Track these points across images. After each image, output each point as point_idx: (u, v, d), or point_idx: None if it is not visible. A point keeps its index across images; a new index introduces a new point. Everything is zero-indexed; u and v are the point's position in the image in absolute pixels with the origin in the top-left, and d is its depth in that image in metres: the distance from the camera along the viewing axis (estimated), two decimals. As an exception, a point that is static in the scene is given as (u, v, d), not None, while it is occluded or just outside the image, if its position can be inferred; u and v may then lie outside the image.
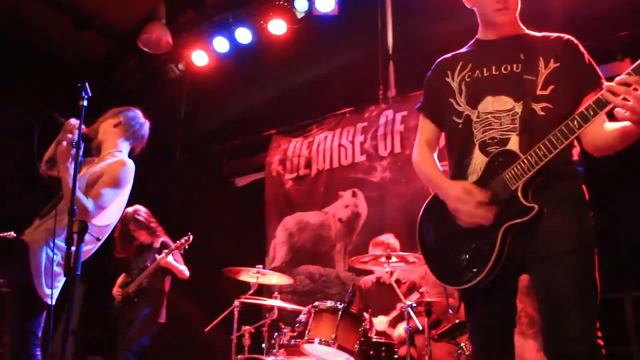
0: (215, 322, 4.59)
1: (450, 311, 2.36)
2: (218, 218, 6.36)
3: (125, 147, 3.23)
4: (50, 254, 2.73)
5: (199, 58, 6.80)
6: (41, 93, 6.45)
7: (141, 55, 7.07)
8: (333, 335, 3.73)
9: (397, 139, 5.70)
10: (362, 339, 3.81)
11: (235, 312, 4.49)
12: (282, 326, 4.26)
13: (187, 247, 4.73)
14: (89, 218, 2.70)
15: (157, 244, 5.01)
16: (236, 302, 4.50)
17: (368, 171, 5.79)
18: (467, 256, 2.12)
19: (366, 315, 3.96)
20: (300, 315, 4.01)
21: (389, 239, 4.69)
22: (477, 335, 2.21)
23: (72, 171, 2.55)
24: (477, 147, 2.16)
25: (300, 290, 5.75)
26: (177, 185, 6.85)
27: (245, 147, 6.78)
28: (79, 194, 2.65)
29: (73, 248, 2.29)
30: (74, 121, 2.75)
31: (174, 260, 4.88)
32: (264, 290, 5.45)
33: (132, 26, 7.10)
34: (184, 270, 4.94)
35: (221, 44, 6.63)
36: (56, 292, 2.75)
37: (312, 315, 3.90)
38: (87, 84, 2.58)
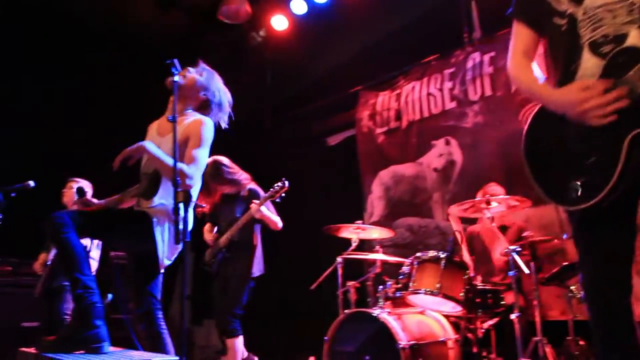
0: (320, 279, 4.69)
1: (565, 236, 2.17)
2: (313, 179, 6.45)
3: (204, 106, 3.17)
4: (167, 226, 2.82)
5: (279, 22, 6.83)
6: (128, 73, 6.75)
7: (222, 28, 7.18)
8: (437, 285, 3.74)
9: (487, 81, 5.50)
10: (467, 286, 3.79)
11: (339, 269, 4.58)
12: (386, 279, 4.32)
13: (283, 194, 4.41)
14: (193, 184, 2.78)
15: (244, 192, 4.67)
16: (339, 259, 4.58)
17: (460, 117, 5.64)
18: (586, 171, 1.83)
19: (470, 262, 3.93)
20: (403, 267, 4.04)
21: (495, 189, 4.52)
22: (590, 266, 1.92)
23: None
24: (586, 48, 1.88)
25: (400, 242, 5.77)
26: (269, 151, 6.99)
27: (334, 106, 6.79)
28: (182, 165, 2.70)
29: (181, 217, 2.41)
30: None
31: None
32: (365, 245, 5.51)
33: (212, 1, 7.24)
34: (277, 221, 4.58)
35: (299, 6, 6.62)
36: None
37: (415, 266, 3.92)
38: (176, 60, 2.66)
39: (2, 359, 4.84)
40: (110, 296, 5.19)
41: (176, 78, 2.66)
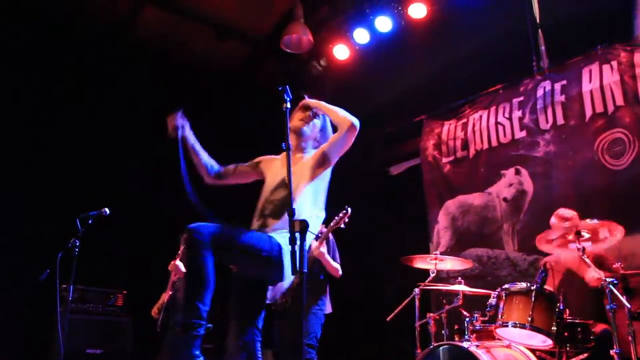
0: (397, 310, 4.60)
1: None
2: (375, 208, 6.41)
3: (315, 144, 3.32)
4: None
5: (341, 52, 6.85)
6: (192, 102, 6.83)
7: (282, 56, 7.25)
8: (529, 318, 3.63)
9: (559, 110, 5.44)
10: (557, 320, 3.68)
11: (416, 300, 4.49)
12: (462, 311, 4.22)
13: (346, 220, 4.26)
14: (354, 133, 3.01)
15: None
16: (416, 290, 4.50)
17: (530, 147, 5.57)
18: None
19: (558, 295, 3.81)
20: (490, 299, 3.94)
21: (566, 212, 4.42)
22: None
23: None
24: None
25: (468, 274, 5.65)
26: (332, 180, 6.95)
27: (397, 135, 6.78)
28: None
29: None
30: None
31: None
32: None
33: (270, 29, 7.33)
34: (337, 268, 4.49)
35: (361, 36, 6.63)
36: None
37: (504, 298, 3.82)
38: (287, 86, 2.66)
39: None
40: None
41: (287, 105, 2.65)
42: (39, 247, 5.00)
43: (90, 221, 4.81)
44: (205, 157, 3.24)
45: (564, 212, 4.37)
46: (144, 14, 6.82)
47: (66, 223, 4.76)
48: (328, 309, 4.61)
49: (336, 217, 4.35)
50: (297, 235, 2.37)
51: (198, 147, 3.23)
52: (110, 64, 6.69)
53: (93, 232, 4.81)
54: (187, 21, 7.05)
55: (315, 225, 3.08)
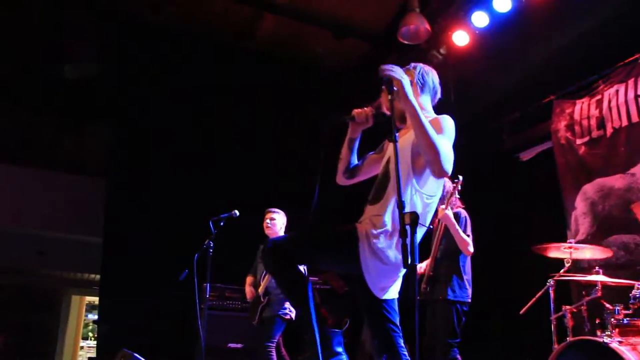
0: (530, 303, 4.37)
1: None
2: (508, 196, 6.14)
3: (428, 103, 2.86)
4: (375, 245, 2.53)
5: (460, 38, 6.61)
6: (313, 102, 7.00)
7: (401, 48, 7.15)
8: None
9: None
10: None
11: (551, 292, 4.24)
12: (604, 303, 3.91)
13: (460, 188, 4.22)
14: (444, 172, 2.44)
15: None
16: (550, 281, 4.25)
17: (679, 120, 5.03)
18: None
19: None
20: (634, 290, 3.62)
21: None
22: None
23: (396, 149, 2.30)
24: None
25: (613, 263, 5.18)
26: (460, 168, 6.77)
27: (525, 119, 6.42)
28: (436, 139, 2.42)
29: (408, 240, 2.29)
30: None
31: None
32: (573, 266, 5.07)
33: (387, 23, 7.27)
34: (467, 242, 4.22)
35: (480, 19, 6.35)
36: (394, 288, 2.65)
37: (650, 289, 3.49)
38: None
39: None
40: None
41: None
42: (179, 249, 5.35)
43: (222, 223, 5.10)
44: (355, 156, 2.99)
45: None
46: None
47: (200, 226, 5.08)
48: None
49: (449, 188, 4.29)
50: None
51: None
52: (230, 72, 7.05)
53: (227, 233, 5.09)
54: (304, 24, 7.22)
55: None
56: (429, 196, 2.63)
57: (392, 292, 2.67)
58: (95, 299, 14.11)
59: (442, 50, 6.93)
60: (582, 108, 5.80)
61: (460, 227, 4.26)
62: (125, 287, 6.24)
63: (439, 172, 2.44)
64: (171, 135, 6.83)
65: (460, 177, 4.23)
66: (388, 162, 2.75)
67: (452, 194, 4.26)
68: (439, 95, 2.92)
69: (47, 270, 10.80)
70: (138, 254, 6.24)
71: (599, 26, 5.69)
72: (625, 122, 5.39)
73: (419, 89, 2.84)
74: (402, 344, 2.63)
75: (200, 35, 7.24)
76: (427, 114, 2.74)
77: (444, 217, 4.24)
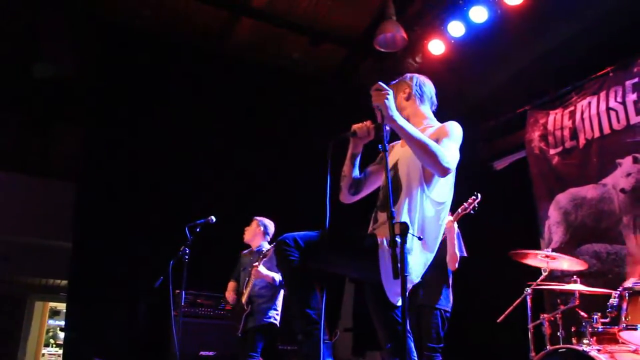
0: (507, 311, 4.40)
1: None
2: (482, 205, 6.16)
3: (429, 111, 2.91)
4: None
5: (436, 47, 6.65)
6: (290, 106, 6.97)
7: (377, 55, 7.16)
8: (659, 320, 3.34)
9: (681, 91, 4.98)
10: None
11: (529, 300, 4.28)
12: (579, 311, 3.95)
13: (476, 205, 4.31)
14: (447, 169, 2.46)
15: None
16: (528, 290, 4.29)
17: (649, 132, 5.14)
18: None
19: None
20: (611, 300, 3.66)
21: None
22: None
23: (387, 160, 2.36)
24: None
25: (586, 271, 5.26)
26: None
27: (499, 129, 6.49)
28: (430, 143, 2.44)
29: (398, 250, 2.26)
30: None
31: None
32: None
33: (364, 28, 7.27)
34: (455, 259, 4.30)
35: (456, 28, 6.41)
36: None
37: (627, 298, 3.53)
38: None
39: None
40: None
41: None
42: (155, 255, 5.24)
43: (198, 229, 5.00)
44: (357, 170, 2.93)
45: None
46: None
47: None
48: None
49: (465, 204, 4.34)
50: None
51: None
52: (207, 76, 6.95)
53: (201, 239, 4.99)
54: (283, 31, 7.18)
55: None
56: (439, 203, 2.64)
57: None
58: (57, 305, 13.77)
59: (417, 59, 6.97)
60: (556, 119, 5.90)
61: (457, 243, 4.34)
62: (94, 293, 6.07)
63: (442, 171, 2.48)
64: (143, 138, 6.69)
65: (479, 195, 4.31)
66: (395, 167, 2.73)
67: (467, 210, 4.31)
68: (435, 104, 2.97)
69: (12, 276, 10.47)
70: (108, 260, 6.09)
71: (572, 39, 5.80)
72: (597, 134, 5.50)
73: (418, 99, 2.91)
74: (413, 348, 2.66)
75: (176, 38, 7.13)
76: (430, 122, 2.82)
77: (449, 229, 4.26)
